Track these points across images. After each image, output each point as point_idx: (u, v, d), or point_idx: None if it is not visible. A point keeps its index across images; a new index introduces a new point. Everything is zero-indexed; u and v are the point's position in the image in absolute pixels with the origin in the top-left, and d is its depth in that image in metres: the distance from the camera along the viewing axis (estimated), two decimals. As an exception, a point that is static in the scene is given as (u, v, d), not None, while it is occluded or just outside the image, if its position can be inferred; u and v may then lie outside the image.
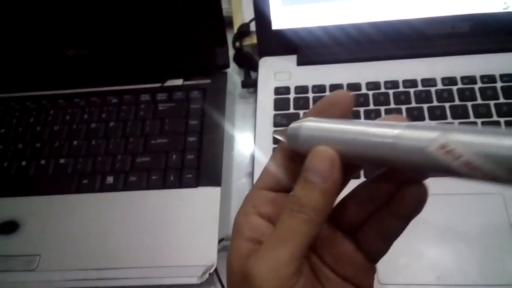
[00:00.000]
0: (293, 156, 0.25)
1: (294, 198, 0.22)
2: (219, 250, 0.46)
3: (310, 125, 0.23)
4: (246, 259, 0.22)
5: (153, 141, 0.54)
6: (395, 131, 0.20)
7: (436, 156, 0.19)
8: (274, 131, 0.26)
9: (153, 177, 0.51)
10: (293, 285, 0.21)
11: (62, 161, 0.54)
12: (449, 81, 0.55)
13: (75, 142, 0.55)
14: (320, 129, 0.23)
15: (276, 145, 0.52)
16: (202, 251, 0.46)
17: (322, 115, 0.23)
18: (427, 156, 0.19)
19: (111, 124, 0.57)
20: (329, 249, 0.26)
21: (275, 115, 0.56)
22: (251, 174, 0.52)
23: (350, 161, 0.22)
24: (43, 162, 0.54)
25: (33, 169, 0.54)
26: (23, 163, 0.54)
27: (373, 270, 0.26)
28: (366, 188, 0.25)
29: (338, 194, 0.23)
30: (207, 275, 0.44)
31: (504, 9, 0.55)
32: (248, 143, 0.58)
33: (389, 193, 0.24)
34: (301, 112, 0.55)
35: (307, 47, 0.60)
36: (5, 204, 0.51)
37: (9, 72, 0.63)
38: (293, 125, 0.24)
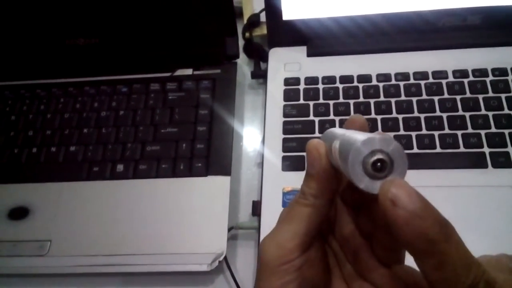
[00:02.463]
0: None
1: (301, 188, 0.25)
2: (228, 239, 0.46)
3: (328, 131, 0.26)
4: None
5: (163, 130, 0.55)
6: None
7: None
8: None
9: (163, 166, 0.51)
10: (294, 259, 0.24)
11: (72, 148, 0.54)
12: (460, 73, 0.54)
13: (85, 130, 0.56)
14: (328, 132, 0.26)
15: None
16: (211, 239, 0.46)
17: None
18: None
19: (121, 112, 0.57)
20: (350, 248, 0.27)
21: (284, 106, 0.56)
22: (261, 164, 0.52)
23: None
24: (53, 149, 0.54)
25: (43, 156, 0.54)
26: (34, 150, 0.55)
27: (392, 272, 0.26)
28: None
29: (335, 180, 0.24)
30: (216, 263, 0.44)
31: (517, 2, 0.55)
32: (258, 133, 0.58)
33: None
34: (311, 103, 0.55)
35: (318, 38, 0.60)
36: (16, 190, 0.51)
37: (20, 60, 0.63)
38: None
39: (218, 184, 0.50)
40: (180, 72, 0.61)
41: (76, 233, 0.48)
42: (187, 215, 0.48)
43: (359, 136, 0.19)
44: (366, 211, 0.26)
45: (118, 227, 0.47)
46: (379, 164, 0.18)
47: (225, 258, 0.45)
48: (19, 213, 0.49)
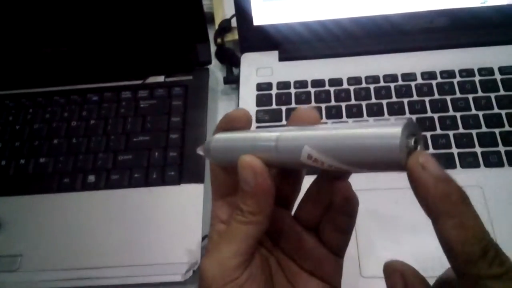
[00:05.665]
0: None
1: (237, 204, 0.25)
2: (202, 247, 0.46)
3: (218, 137, 0.26)
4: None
5: (135, 139, 0.54)
6: (275, 134, 0.23)
7: (285, 152, 0.22)
8: (198, 148, 0.29)
9: (136, 175, 0.51)
10: (238, 277, 0.24)
11: (42, 160, 0.53)
12: (429, 75, 0.55)
13: (55, 141, 0.55)
14: (225, 139, 0.26)
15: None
16: (185, 248, 0.46)
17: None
18: (281, 153, 0.23)
19: (92, 122, 0.56)
20: (292, 244, 0.28)
21: (257, 111, 0.56)
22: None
23: (268, 165, 0.24)
24: (22, 161, 0.53)
25: (12, 168, 0.53)
26: (3, 162, 0.53)
27: (339, 264, 0.28)
28: (315, 187, 0.27)
29: (272, 195, 0.25)
30: (191, 272, 0.44)
31: (481, 3, 0.56)
32: (231, 139, 0.58)
33: (329, 191, 0.26)
34: (283, 107, 0.55)
35: (289, 43, 0.60)
36: (-16, 205, 0.50)
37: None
38: (207, 140, 0.27)
39: (191, 192, 0.49)
40: (151, 79, 0.60)
41: (48, 247, 0.47)
42: (160, 225, 0.47)
43: (382, 129, 0.20)
44: (313, 201, 0.27)
45: (90, 239, 0.47)
46: (415, 143, 0.20)
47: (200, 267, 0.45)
48: (-13, 228, 0.48)
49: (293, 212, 0.29)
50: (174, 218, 0.48)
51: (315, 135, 0.22)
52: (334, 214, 0.26)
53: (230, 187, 0.27)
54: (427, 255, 0.43)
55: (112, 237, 0.47)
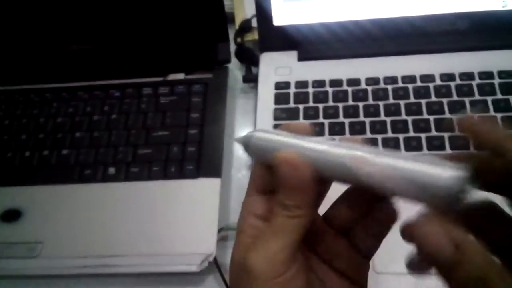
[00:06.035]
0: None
1: (279, 199, 0.25)
2: (218, 240, 0.47)
3: (259, 134, 0.26)
4: (244, 252, 0.25)
5: (154, 133, 0.55)
6: (324, 147, 0.24)
7: (348, 169, 0.23)
8: (236, 138, 0.29)
9: (154, 168, 0.52)
10: (286, 271, 0.24)
11: (64, 152, 0.55)
12: (448, 77, 0.55)
13: (77, 134, 0.56)
14: (266, 139, 0.26)
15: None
16: (201, 240, 0.46)
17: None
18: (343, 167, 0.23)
19: (113, 116, 0.57)
20: (325, 246, 0.28)
21: (275, 109, 0.56)
22: (251, 166, 0.53)
23: None
24: (46, 152, 0.55)
25: (36, 159, 0.55)
26: (27, 153, 0.55)
27: (367, 265, 0.28)
28: (352, 193, 0.27)
29: (315, 188, 0.25)
30: (206, 263, 0.45)
31: (503, 7, 0.56)
32: (249, 136, 0.58)
33: (368, 201, 0.26)
34: (301, 106, 0.56)
35: (308, 43, 0.61)
36: (8, 193, 0.52)
37: (14, 65, 0.63)
38: (247, 133, 0.27)
39: (208, 186, 0.50)
40: (172, 76, 0.62)
41: (68, 235, 0.48)
42: (177, 217, 0.48)
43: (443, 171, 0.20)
44: (350, 205, 0.27)
45: (109, 228, 0.48)
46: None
47: (215, 259, 0.46)
48: (11, 215, 0.50)
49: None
50: (191, 210, 0.48)
51: (378, 163, 0.22)
52: (370, 223, 0.27)
53: (267, 182, 0.27)
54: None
55: (130, 227, 0.48)
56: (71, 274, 0.46)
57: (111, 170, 0.53)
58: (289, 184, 0.24)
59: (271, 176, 0.26)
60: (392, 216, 0.26)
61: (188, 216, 0.48)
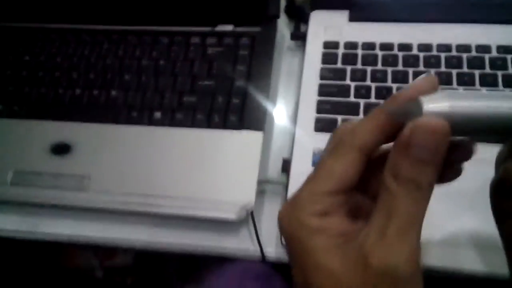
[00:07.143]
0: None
1: (408, 178, 0.22)
2: (256, 192, 0.48)
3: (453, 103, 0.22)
4: (336, 238, 0.24)
5: (200, 82, 0.56)
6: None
7: None
8: (390, 109, 0.25)
9: (199, 116, 0.53)
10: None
11: (113, 93, 0.56)
12: (505, 49, 0.53)
13: (126, 76, 0.57)
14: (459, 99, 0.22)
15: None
16: (241, 191, 0.47)
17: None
18: None
19: (161, 62, 0.58)
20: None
21: (322, 69, 0.56)
22: (294, 123, 0.53)
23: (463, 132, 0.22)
24: (95, 92, 0.56)
25: (86, 97, 0.56)
26: (78, 91, 0.57)
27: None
28: None
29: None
30: (244, 212, 0.46)
31: None
32: (293, 93, 0.58)
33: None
34: (348, 67, 0.55)
35: (360, 3, 0.59)
36: (59, 127, 0.54)
37: (66, 5, 0.64)
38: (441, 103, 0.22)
39: (250, 138, 0.51)
40: (220, 27, 0.61)
41: (114, 172, 0.50)
42: (219, 165, 0.49)
43: None
44: None
45: (153, 170, 0.50)
46: None
47: (251, 212, 0.47)
48: (61, 148, 0.52)
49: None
50: (232, 160, 0.50)
51: None
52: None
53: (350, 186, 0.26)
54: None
55: (173, 170, 0.49)
56: (114, 208, 0.48)
57: (157, 114, 0.54)
58: (428, 159, 0.21)
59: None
60: (468, 154, 0.25)
61: (229, 165, 0.49)
